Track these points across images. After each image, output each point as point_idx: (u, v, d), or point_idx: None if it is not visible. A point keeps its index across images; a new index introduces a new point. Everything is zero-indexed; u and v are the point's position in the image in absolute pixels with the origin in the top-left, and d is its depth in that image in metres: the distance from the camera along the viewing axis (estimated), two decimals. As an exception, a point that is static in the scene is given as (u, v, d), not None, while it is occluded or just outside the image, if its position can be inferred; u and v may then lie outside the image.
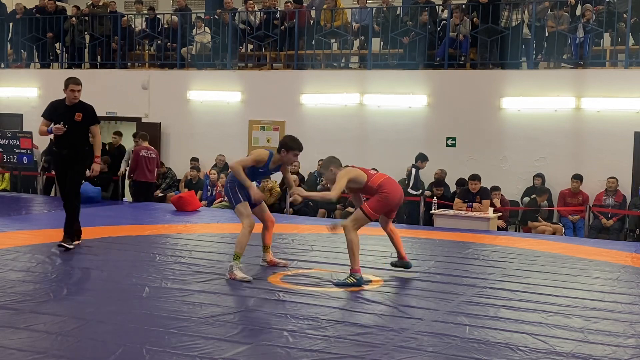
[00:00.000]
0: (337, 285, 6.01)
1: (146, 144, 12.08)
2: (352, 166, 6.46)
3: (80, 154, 7.33)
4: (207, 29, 14.36)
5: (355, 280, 6.00)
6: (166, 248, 7.66)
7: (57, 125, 7.12)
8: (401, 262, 6.70)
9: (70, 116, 7.19)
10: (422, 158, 11.57)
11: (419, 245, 8.46)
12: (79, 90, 7.31)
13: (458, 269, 6.97)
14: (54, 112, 7.31)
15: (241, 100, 13.86)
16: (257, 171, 6.43)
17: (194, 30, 14.44)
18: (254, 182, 6.44)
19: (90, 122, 7.37)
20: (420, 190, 11.53)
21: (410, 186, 11.41)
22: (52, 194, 13.42)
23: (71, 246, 7.19)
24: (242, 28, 14.11)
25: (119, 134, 13.14)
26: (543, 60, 12.43)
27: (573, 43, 11.90)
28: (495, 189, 11.05)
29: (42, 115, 7.42)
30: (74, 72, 15.19)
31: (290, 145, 6.35)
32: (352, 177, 6.20)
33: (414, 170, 11.54)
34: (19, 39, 15.75)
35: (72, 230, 7.34)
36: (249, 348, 4.22)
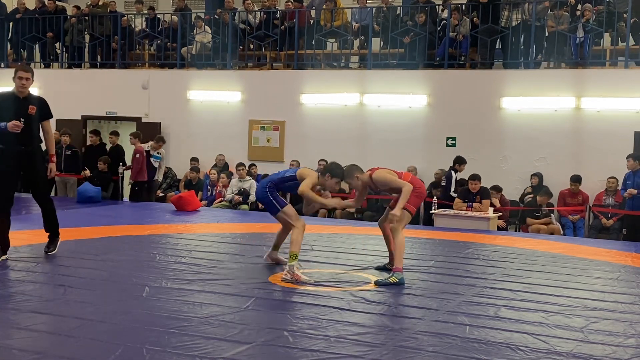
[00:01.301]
0: (380, 284, 6.04)
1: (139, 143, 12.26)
2: (379, 167, 6.61)
3: (39, 151, 6.79)
4: (207, 29, 14.36)
5: (398, 280, 6.06)
6: (166, 248, 7.66)
7: (15, 122, 6.35)
8: (390, 265, 6.61)
9: (24, 110, 6.52)
10: (460, 161, 11.23)
11: (419, 245, 8.46)
12: (28, 79, 6.54)
13: (458, 269, 6.97)
14: (2, 104, 6.54)
15: (241, 100, 13.86)
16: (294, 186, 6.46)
17: (194, 30, 14.44)
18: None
19: (44, 116, 6.73)
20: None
21: (452, 190, 11.00)
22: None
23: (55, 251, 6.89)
24: (242, 28, 14.12)
25: (115, 133, 13.14)
26: (543, 60, 12.43)
27: (573, 43, 11.90)
28: (497, 189, 11.05)
29: None
30: (74, 72, 15.26)
31: (337, 172, 6.39)
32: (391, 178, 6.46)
33: (453, 173, 11.17)
34: (19, 39, 15.75)
35: (56, 231, 6.99)
36: (249, 348, 4.21)
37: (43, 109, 6.71)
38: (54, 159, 6.97)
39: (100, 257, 6.93)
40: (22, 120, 6.44)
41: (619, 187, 10.91)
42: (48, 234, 7.03)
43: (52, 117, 6.86)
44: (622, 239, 10.21)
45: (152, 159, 12.40)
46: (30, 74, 6.57)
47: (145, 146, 12.29)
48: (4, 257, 6.61)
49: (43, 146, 6.94)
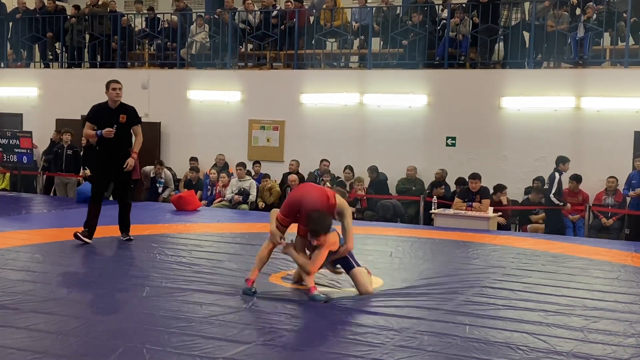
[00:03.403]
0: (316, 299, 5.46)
1: None
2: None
3: (124, 155, 7.64)
4: (206, 27, 14.35)
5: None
6: (166, 248, 7.66)
7: (108, 129, 7.44)
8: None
9: (115, 118, 7.54)
10: (563, 160, 10.27)
11: (419, 245, 8.46)
12: (121, 89, 7.60)
13: (458, 269, 6.97)
14: (98, 115, 7.60)
15: (241, 99, 13.86)
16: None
17: (192, 27, 14.42)
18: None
19: (133, 122, 7.73)
20: (563, 202, 10.27)
21: (552, 192, 10.14)
22: (52, 193, 13.42)
23: (89, 241, 7.57)
24: (242, 27, 14.11)
25: None
26: (543, 59, 12.42)
27: (573, 42, 11.90)
28: (500, 188, 11.03)
29: (86, 120, 7.71)
30: (74, 72, 15.24)
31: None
32: None
33: (557, 175, 10.21)
34: (19, 39, 15.75)
35: (125, 225, 7.96)
36: (249, 348, 4.21)
37: (132, 116, 7.74)
38: (135, 155, 7.75)
39: (100, 257, 6.93)
40: (115, 127, 7.48)
41: (619, 187, 10.91)
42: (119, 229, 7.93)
43: (140, 122, 7.90)
44: (625, 238, 10.19)
45: (157, 185, 12.78)
46: (121, 84, 7.63)
47: (151, 172, 12.74)
48: (89, 241, 7.53)
49: None
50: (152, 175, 12.81)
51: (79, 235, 7.58)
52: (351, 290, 5.81)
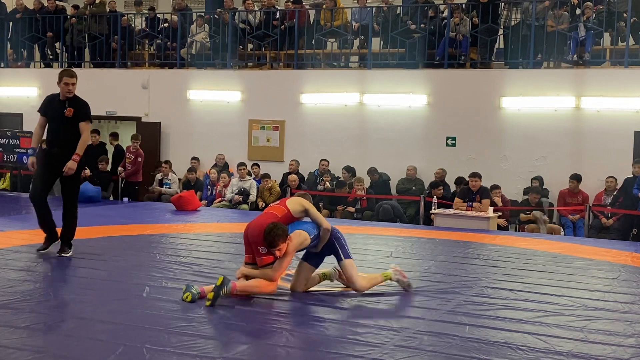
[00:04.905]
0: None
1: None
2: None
3: (71, 155, 6.81)
4: (206, 27, 14.35)
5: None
6: (166, 248, 7.66)
7: (32, 158, 6.84)
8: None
9: (62, 110, 6.77)
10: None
11: (419, 245, 8.46)
12: (74, 84, 6.87)
13: (458, 269, 6.97)
14: (48, 106, 6.92)
15: (241, 99, 13.86)
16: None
17: (192, 27, 14.42)
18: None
19: (80, 118, 6.85)
20: None
21: None
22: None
23: (70, 253, 6.87)
24: (241, 27, 14.11)
25: (114, 135, 13.20)
26: (543, 59, 12.43)
27: (573, 42, 11.90)
28: (495, 187, 11.05)
29: (38, 111, 7.04)
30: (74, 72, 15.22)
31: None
32: None
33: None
34: (19, 39, 15.75)
35: (65, 236, 6.95)
36: (249, 348, 4.21)
37: (82, 111, 6.87)
38: (77, 158, 6.84)
39: (100, 257, 6.93)
40: (56, 125, 6.78)
41: (618, 187, 10.88)
42: (45, 235, 6.99)
43: (90, 120, 6.99)
44: (632, 239, 10.15)
45: (164, 186, 12.84)
46: (75, 79, 6.92)
47: (159, 175, 12.86)
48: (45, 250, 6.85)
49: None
50: (159, 177, 12.88)
51: (59, 254, 6.85)
52: (350, 289, 5.81)
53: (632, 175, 10.59)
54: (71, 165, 6.77)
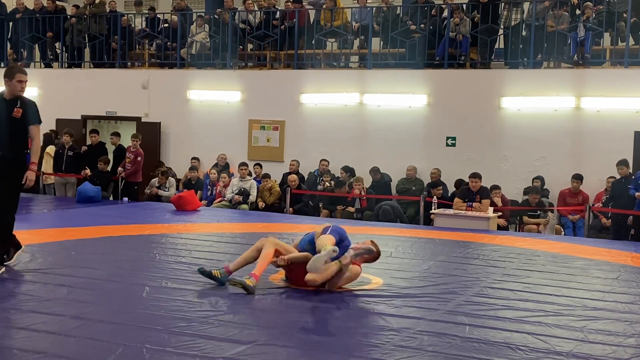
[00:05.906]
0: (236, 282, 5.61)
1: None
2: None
3: (19, 158, 6.22)
4: (206, 27, 14.35)
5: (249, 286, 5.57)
6: (166, 248, 7.66)
7: None
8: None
9: (9, 110, 6.13)
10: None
11: (419, 245, 8.46)
12: (26, 82, 6.23)
13: (458, 269, 6.97)
14: None
15: (241, 99, 13.86)
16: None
17: (192, 27, 14.43)
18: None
19: (30, 121, 6.19)
20: None
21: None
22: (52, 193, 13.42)
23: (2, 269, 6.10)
24: (242, 27, 14.12)
25: (116, 134, 13.19)
26: (543, 59, 12.43)
27: (573, 42, 11.90)
28: (495, 187, 11.05)
29: None
30: (74, 72, 15.25)
31: None
32: None
33: None
34: (19, 39, 15.75)
35: (3, 246, 6.27)
36: (249, 348, 4.21)
37: (31, 112, 6.22)
38: (35, 167, 6.23)
39: (100, 257, 6.93)
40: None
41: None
42: None
43: (40, 122, 6.30)
44: (630, 239, 10.16)
45: (160, 192, 12.79)
46: (26, 76, 6.25)
47: (155, 182, 12.82)
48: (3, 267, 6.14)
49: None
50: (157, 185, 12.84)
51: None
52: (350, 289, 5.82)
53: (619, 177, 10.56)
54: (31, 176, 6.18)
